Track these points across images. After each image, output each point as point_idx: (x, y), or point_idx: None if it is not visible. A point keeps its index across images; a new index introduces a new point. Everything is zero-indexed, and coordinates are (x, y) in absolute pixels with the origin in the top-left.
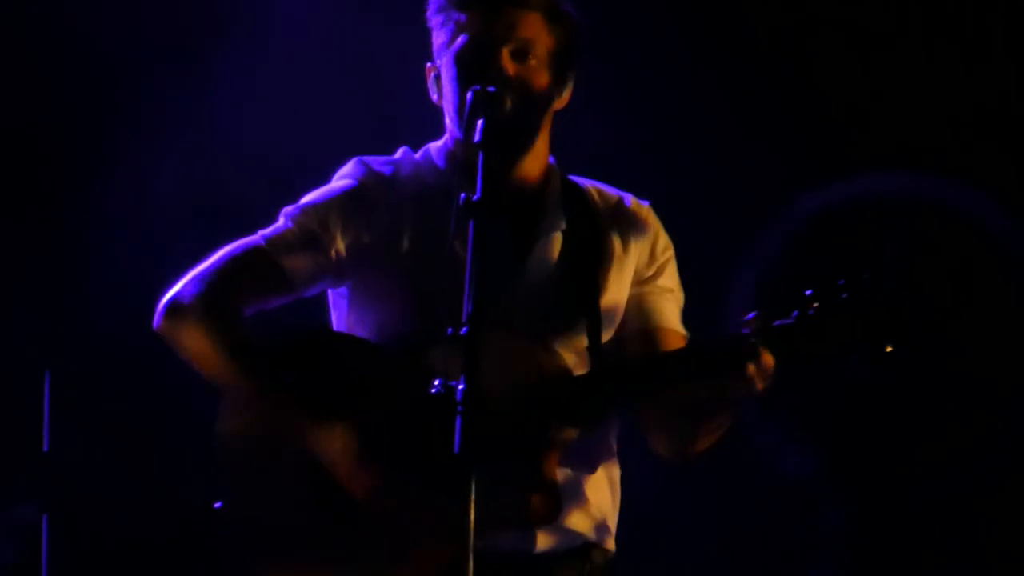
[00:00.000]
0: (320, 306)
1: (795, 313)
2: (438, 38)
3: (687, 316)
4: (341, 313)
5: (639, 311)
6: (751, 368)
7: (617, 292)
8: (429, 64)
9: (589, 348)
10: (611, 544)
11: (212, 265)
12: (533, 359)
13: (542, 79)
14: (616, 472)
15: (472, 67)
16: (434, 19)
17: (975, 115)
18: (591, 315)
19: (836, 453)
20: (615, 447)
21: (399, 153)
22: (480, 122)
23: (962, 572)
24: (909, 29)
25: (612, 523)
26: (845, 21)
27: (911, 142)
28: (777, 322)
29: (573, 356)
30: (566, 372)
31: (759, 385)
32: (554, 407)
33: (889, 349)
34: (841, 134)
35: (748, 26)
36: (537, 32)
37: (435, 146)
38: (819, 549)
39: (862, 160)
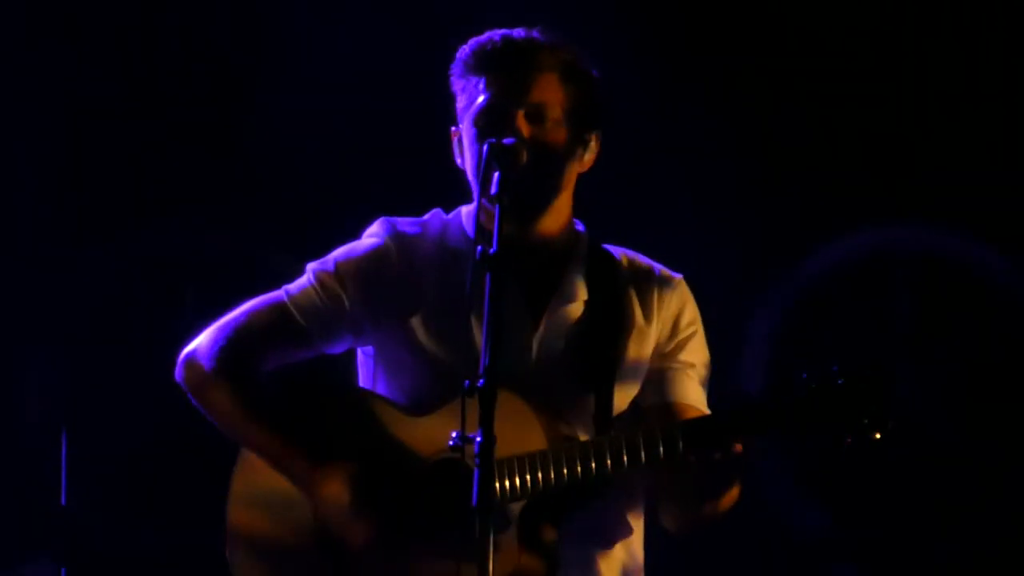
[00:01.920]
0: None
1: (791, 394)
2: (460, 102)
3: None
4: (367, 372)
5: (658, 385)
6: (736, 447)
7: (635, 361)
8: (453, 128)
9: (595, 416)
10: None
11: (234, 319)
12: (534, 426)
13: (558, 137)
14: (635, 551)
15: (488, 128)
16: (456, 84)
17: (984, 167)
18: (603, 382)
19: (847, 510)
20: (633, 527)
21: (429, 215)
22: (496, 175)
23: None
24: (918, 82)
25: None
26: (858, 75)
27: (919, 196)
28: (767, 402)
29: (581, 425)
30: (571, 439)
31: (747, 461)
32: (553, 474)
33: (877, 436)
34: (850, 190)
35: (758, 81)
36: (552, 93)
37: (466, 209)
38: None
39: (872, 214)
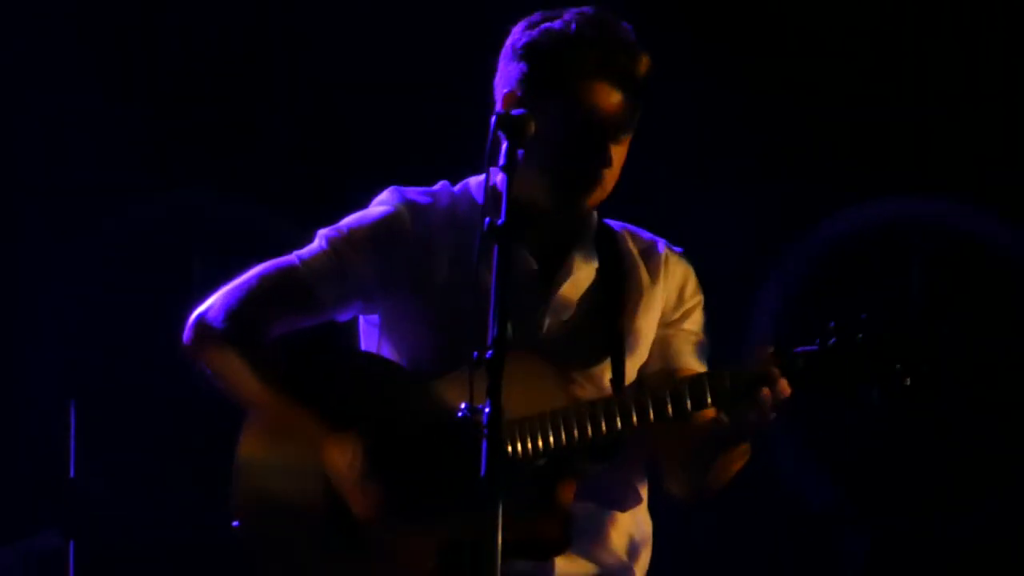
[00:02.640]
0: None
1: (816, 342)
2: (551, 83)
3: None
4: (371, 341)
5: (662, 351)
6: (766, 393)
7: (644, 329)
8: (506, 90)
9: (612, 380)
10: None
11: (245, 282)
12: (552, 386)
13: (625, 150)
14: (643, 520)
15: (580, 154)
16: (555, 57)
17: (999, 138)
18: (615, 349)
19: (858, 481)
20: (640, 495)
21: (438, 185)
22: (504, 145)
23: None
24: (933, 54)
25: (637, 567)
26: (870, 48)
27: (934, 167)
28: (798, 349)
29: (595, 386)
30: (584, 400)
31: (771, 414)
32: (568, 433)
33: (908, 382)
34: (864, 158)
35: (773, 53)
36: (631, 115)
37: (475, 180)
38: (839, 573)
39: (886, 184)
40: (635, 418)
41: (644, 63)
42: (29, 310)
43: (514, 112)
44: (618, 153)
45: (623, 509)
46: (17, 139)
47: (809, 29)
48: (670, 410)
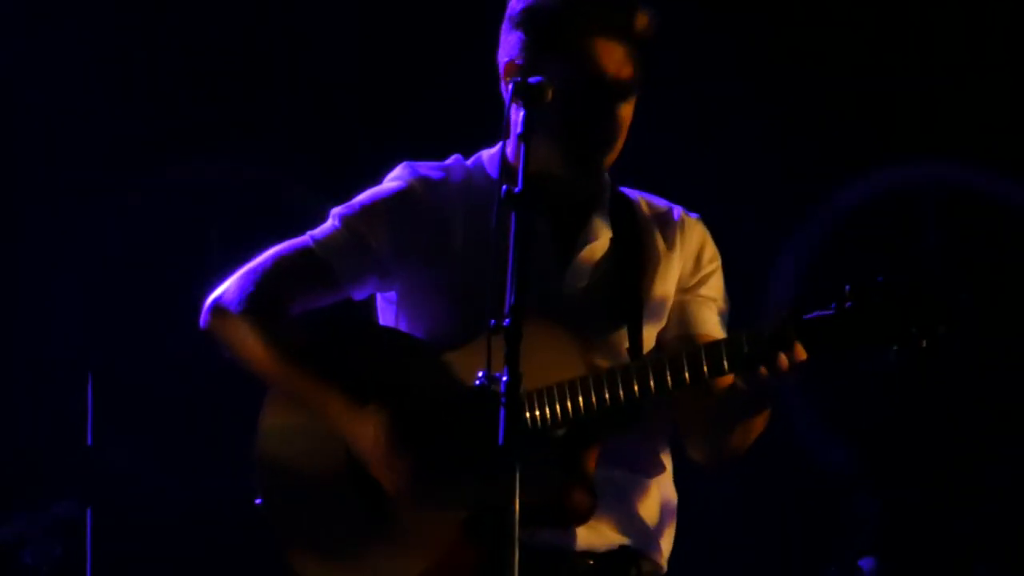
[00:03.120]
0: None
1: (832, 306)
2: (551, 46)
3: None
4: (388, 318)
5: (680, 317)
6: (782, 358)
7: (661, 295)
8: (508, 60)
9: (629, 348)
10: (660, 560)
11: (260, 264)
12: (571, 354)
13: (631, 109)
14: (668, 491)
15: (584, 116)
16: (551, 18)
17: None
18: (633, 316)
19: (872, 443)
20: (665, 465)
21: (451, 159)
22: (522, 113)
23: (997, 562)
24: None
25: (663, 540)
26: (876, 16)
27: (942, 132)
28: (814, 313)
29: (613, 354)
30: (603, 367)
31: (788, 378)
32: (587, 401)
33: (924, 344)
34: (875, 126)
35: (778, 25)
36: (635, 70)
37: (488, 153)
38: (856, 538)
39: (897, 151)
40: (653, 385)
41: (644, 19)
42: (46, 284)
43: (531, 80)
44: (625, 111)
45: (648, 478)
46: (31, 117)
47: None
48: (687, 376)
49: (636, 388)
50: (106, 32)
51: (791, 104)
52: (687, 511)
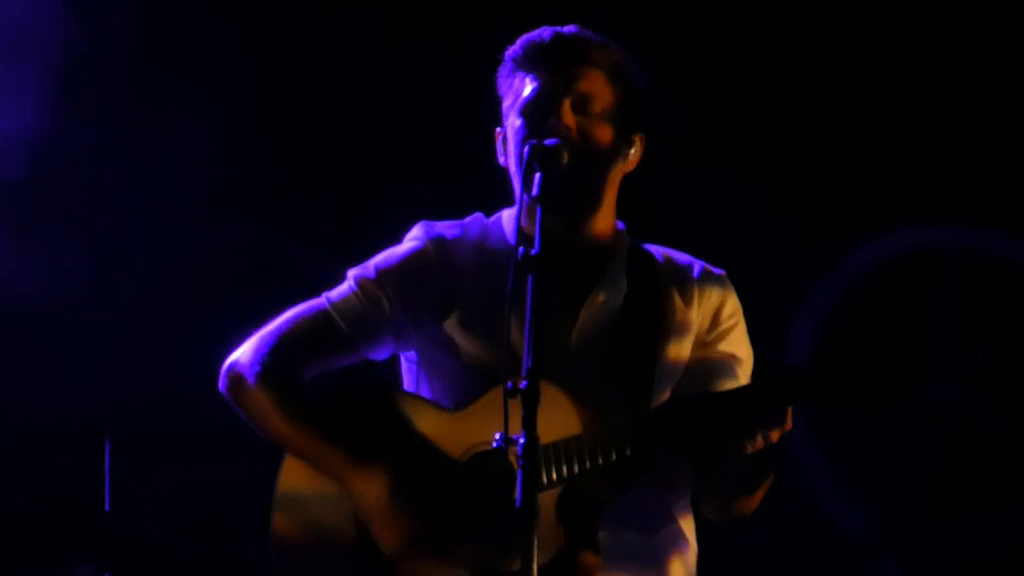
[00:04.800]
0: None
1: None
2: (506, 102)
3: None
4: (411, 377)
5: (697, 374)
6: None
7: (675, 356)
8: (498, 129)
9: (637, 408)
10: None
11: (277, 328)
12: (566, 417)
13: (603, 135)
14: (686, 549)
15: (534, 118)
16: (503, 84)
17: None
18: (643, 380)
19: (892, 505)
20: (682, 526)
21: (470, 218)
22: (538, 176)
23: None
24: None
25: None
26: (904, 67)
27: (962, 193)
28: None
29: (622, 415)
30: (594, 429)
31: (774, 435)
32: (580, 462)
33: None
34: (893, 186)
35: (801, 73)
36: (599, 88)
37: (508, 212)
38: None
39: (914, 212)
40: (646, 443)
41: (558, 37)
42: (63, 346)
43: (547, 142)
44: (590, 133)
45: (658, 536)
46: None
47: (841, 51)
48: (677, 434)
49: (628, 449)
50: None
51: (811, 162)
52: (710, 568)
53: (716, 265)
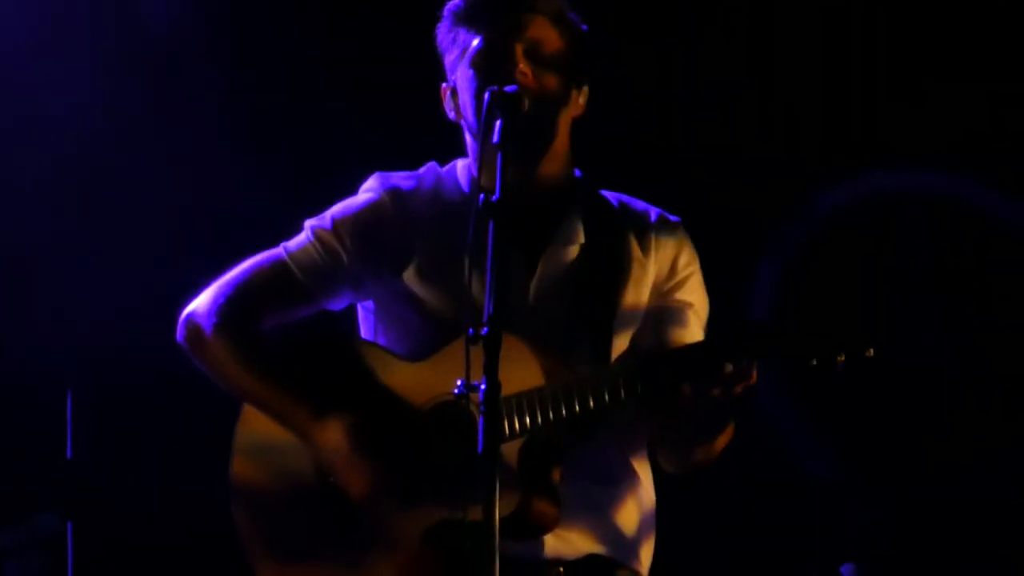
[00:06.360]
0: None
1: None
2: (450, 56)
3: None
4: (368, 327)
5: (654, 322)
6: (728, 367)
7: (633, 302)
8: (444, 85)
9: (596, 357)
10: (639, 568)
11: (234, 277)
12: (528, 368)
13: (555, 80)
14: (645, 501)
15: (488, 67)
16: (445, 40)
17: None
18: (602, 327)
19: (864, 452)
20: (640, 476)
21: (424, 168)
22: (498, 122)
23: (988, 571)
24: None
25: (642, 549)
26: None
27: (925, 138)
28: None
29: (578, 362)
30: (559, 378)
31: (733, 389)
32: (544, 413)
33: (841, 359)
34: (857, 132)
35: (762, 26)
36: (546, 34)
37: (463, 162)
38: (847, 547)
39: (877, 157)
40: (607, 397)
41: None
42: (23, 298)
43: (507, 89)
44: (543, 79)
45: (622, 490)
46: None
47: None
48: (639, 387)
49: (591, 401)
50: None
51: (776, 105)
52: (670, 516)
53: (675, 213)
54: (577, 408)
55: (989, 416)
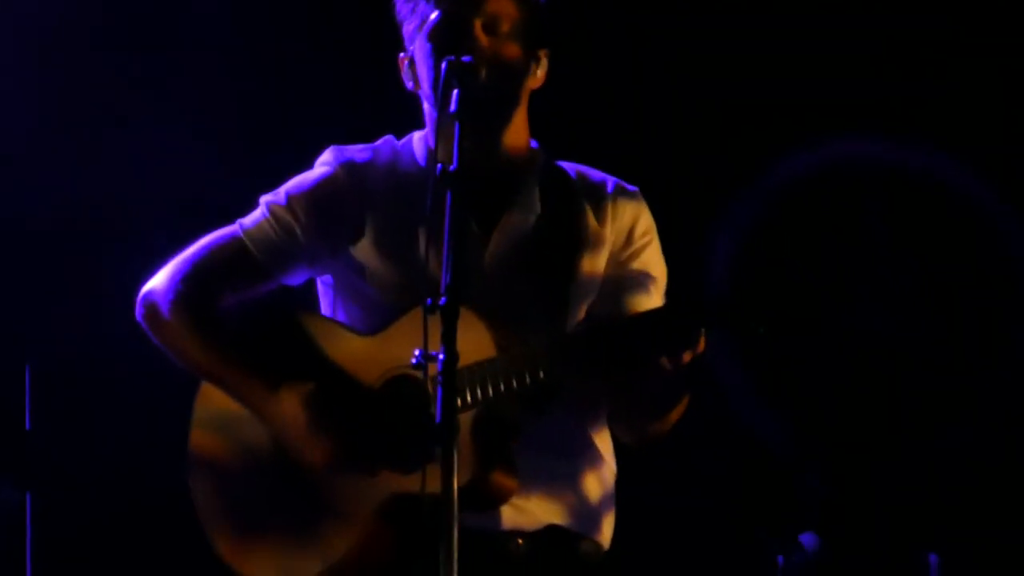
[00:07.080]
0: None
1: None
2: (409, 25)
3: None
4: (327, 302)
5: (610, 292)
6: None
7: (589, 272)
8: (402, 55)
9: (552, 327)
10: (600, 539)
11: (191, 255)
12: (480, 339)
13: (513, 51)
14: (605, 474)
15: (445, 41)
16: (403, 9)
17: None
18: (558, 298)
19: (815, 419)
20: (599, 448)
21: (381, 141)
22: (455, 92)
23: (942, 534)
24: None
25: (603, 521)
26: None
27: (884, 108)
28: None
29: (534, 333)
30: (510, 352)
31: (685, 356)
32: (495, 385)
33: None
34: (815, 101)
35: None
36: (504, 6)
37: (419, 134)
38: (797, 514)
39: (835, 127)
40: (558, 367)
41: None
42: None
43: (464, 58)
44: (501, 49)
45: (581, 462)
46: None
47: None
48: (588, 357)
49: (541, 372)
50: None
51: (733, 74)
52: (630, 486)
53: (632, 182)
54: (528, 379)
55: (939, 389)
